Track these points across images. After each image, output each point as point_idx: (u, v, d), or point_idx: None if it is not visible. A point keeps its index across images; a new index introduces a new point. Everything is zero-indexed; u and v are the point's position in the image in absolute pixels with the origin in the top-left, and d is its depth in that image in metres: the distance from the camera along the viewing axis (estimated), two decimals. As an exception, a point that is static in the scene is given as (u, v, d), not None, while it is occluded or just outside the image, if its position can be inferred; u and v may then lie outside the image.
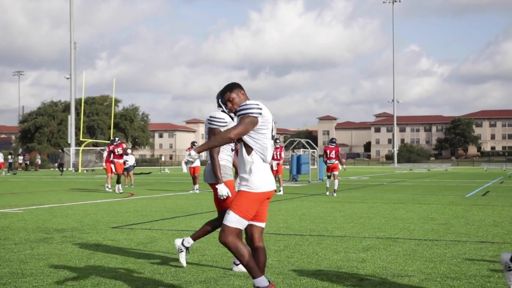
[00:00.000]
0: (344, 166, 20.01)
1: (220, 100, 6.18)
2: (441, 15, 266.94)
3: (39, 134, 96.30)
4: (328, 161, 19.49)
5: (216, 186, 6.14)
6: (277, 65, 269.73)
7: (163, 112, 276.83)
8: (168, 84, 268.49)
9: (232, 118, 6.21)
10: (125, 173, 26.47)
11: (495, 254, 7.33)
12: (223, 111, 6.19)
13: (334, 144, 19.63)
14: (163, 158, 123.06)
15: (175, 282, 5.73)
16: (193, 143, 21.95)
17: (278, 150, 21.65)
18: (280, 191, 20.03)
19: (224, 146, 6.23)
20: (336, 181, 19.30)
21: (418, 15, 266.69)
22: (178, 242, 6.60)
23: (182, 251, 6.54)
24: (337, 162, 19.41)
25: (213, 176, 6.23)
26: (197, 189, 20.86)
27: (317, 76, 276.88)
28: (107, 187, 22.13)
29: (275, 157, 21.25)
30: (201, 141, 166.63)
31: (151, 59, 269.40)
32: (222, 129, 6.09)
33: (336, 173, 19.36)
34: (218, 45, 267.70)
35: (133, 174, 26.77)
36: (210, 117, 6.18)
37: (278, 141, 21.23)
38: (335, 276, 6.01)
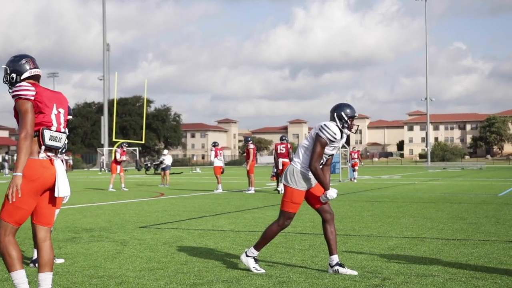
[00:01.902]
0: (362, 163, 33.92)
1: (335, 114, 6.21)
2: (483, 13, 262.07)
3: (73, 135, 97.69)
4: (352, 160, 31.53)
5: (326, 192, 6.16)
6: (317, 65, 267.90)
7: (201, 112, 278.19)
8: (209, 85, 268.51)
9: (348, 137, 6.20)
10: (162, 172, 26.76)
11: (524, 254, 7.19)
12: (337, 125, 6.20)
13: (355, 149, 33.22)
14: (195, 158, 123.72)
15: (198, 281, 5.76)
16: (214, 144, 22.08)
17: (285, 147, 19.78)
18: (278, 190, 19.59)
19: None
20: (356, 173, 31.31)
21: (462, 13, 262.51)
22: (243, 258, 6.35)
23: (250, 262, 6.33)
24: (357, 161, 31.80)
25: (287, 178, 6.23)
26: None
27: (357, 75, 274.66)
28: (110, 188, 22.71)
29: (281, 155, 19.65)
30: (232, 141, 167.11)
31: (194, 59, 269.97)
32: (328, 142, 6.10)
33: (356, 167, 31.52)
34: (260, 45, 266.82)
35: (169, 174, 27.05)
36: (325, 125, 6.12)
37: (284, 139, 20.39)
38: (358, 276, 5.97)
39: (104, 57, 72.34)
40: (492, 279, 5.77)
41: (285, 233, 9.10)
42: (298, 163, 6.22)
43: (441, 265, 6.53)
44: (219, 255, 7.28)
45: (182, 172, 49.94)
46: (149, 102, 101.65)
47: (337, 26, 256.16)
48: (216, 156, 21.76)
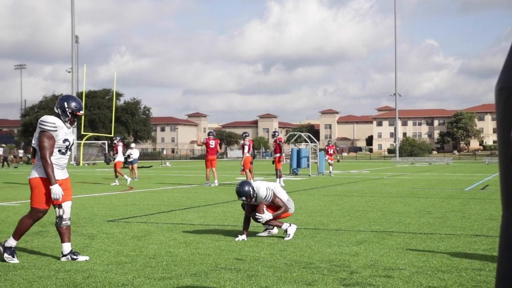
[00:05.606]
0: (338, 158, 34.93)
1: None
2: (454, 11, 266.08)
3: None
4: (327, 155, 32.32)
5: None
6: (290, 60, 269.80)
7: (172, 106, 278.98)
8: (182, 79, 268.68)
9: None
10: (129, 166, 26.60)
11: (488, 248, 7.32)
12: None
13: (331, 143, 33.77)
14: (165, 152, 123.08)
15: (166, 275, 5.73)
16: (120, 139, 24.23)
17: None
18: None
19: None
20: (331, 167, 31.96)
21: (433, 11, 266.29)
22: None
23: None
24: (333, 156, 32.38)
25: None
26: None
27: (330, 70, 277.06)
28: None
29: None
30: (202, 135, 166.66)
31: (168, 53, 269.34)
32: None
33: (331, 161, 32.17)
34: (235, 39, 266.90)
35: (137, 167, 26.91)
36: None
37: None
38: (326, 270, 6.01)
39: (73, 49, 71.38)
40: (457, 272, 5.86)
41: (254, 227, 9.13)
42: None
43: (407, 258, 6.61)
44: (188, 249, 7.26)
45: (151, 166, 49.65)
46: (118, 95, 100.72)
47: (312, 21, 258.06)
48: (120, 151, 23.68)
